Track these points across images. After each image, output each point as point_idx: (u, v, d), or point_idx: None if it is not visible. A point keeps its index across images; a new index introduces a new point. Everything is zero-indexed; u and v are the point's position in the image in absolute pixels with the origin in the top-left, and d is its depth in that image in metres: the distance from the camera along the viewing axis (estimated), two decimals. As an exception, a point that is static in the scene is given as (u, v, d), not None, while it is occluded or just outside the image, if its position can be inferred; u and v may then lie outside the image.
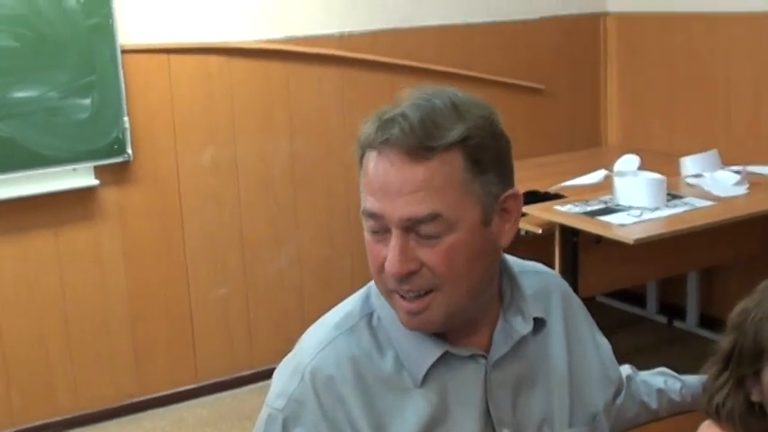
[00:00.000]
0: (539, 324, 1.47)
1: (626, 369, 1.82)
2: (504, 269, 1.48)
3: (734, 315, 1.60)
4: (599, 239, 3.51)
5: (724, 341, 1.60)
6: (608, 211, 3.55)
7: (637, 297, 4.97)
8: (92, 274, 4.01)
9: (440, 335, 1.40)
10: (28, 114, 3.72)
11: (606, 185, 3.80)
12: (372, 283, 1.43)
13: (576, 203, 3.66)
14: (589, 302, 1.74)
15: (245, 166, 4.28)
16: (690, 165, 3.98)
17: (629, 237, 3.24)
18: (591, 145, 5.13)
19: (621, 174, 3.73)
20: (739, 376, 1.57)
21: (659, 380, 1.84)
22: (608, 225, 3.38)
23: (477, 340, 1.43)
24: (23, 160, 3.74)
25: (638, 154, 4.04)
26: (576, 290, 3.33)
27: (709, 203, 3.59)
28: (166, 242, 4.14)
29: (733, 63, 4.43)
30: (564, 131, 5.06)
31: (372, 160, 1.32)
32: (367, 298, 1.45)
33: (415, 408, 1.38)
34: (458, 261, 1.31)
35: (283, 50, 4.25)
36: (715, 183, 3.81)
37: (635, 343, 4.45)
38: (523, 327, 1.44)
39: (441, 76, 4.55)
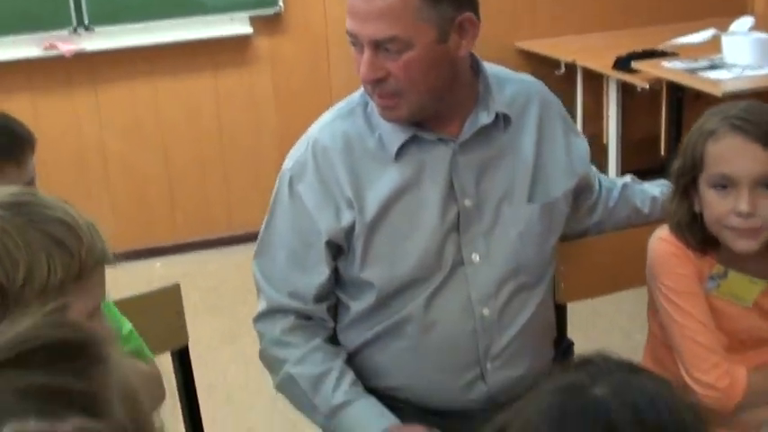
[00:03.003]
0: (505, 119, 1.80)
1: (626, 178, 2.11)
2: (482, 74, 1.81)
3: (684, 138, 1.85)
4: (698, 95, 3.67)
5: (675, 161, 1.85)
6: (712, 67, 3.70)
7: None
8: (246, 113, 4.54)
9: (417, 123, 1.75)
10: (192, -34, 4.23)
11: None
12: None
13: (684, 60, 3.82)
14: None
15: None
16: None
17: (719, 90, 3.40)
18: (738, 13, 5.14)
19: (732, 33, 3.83)
20: (682, 187, 1.82)
21: (656, 189, 2.10)
22: (703, 79, 3.54)
23: (449, 128, 1.78)
24: (187, 7, 4.27)
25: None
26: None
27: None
28: (314, 88, 4.60)
29: None
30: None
31: None
32: (364, 92, 1.82)
33: (390, 177, 1.76)
34: (414, 72, 1.66)
35: None
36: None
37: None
38: (485, 118, 1.77)
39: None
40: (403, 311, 1.77)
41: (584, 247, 2.10)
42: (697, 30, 4.01)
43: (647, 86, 3.84)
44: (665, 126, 3.84)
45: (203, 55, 4.41)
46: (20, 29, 4.15)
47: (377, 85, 1.68)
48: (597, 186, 2.04)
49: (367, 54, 1.66)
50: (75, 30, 4.23)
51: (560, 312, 2.13)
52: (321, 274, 1.79)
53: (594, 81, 4.49)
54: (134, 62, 4.38)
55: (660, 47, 4.07)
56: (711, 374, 1.78)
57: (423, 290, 1.76)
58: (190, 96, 4.44)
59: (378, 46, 1.65)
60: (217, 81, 4.45)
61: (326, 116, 1.83)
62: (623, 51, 4.10)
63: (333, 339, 1.86)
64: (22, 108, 4.33)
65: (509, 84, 1.85)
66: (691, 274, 1.83)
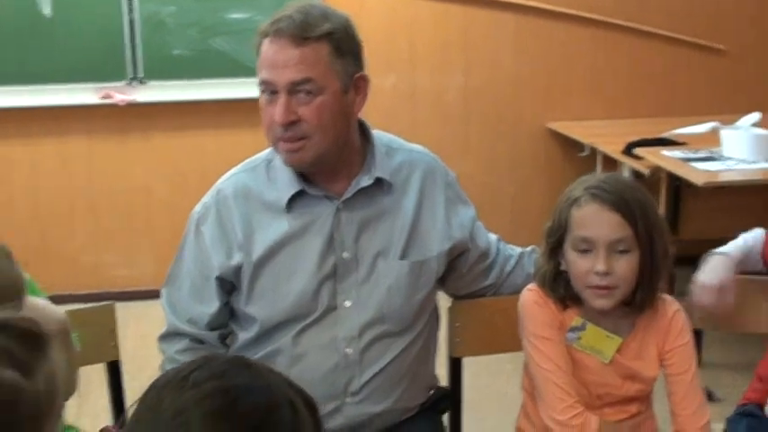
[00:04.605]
0: (385, 183, 2.03)
1: (528, 248, 2.31)
2: (369, 141, 2.06)
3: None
4: (690, 185, 3.81)
5: (547, 223, 2.05)
6: (708, 159, 3.84)
7: None
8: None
9: (307, 179, 2.01)
10: (239, 32, 4.60)
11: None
12: None
13: (686, 150, 3.97)
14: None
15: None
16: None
17: (700, 180, 3.55)
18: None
19: (733, 127, 3.96)
20: (551, 247, 2.03)
21: None
22: (690, 169, 3.68)
23: (336, 187, 2.03)
24: (230, 69, 4.65)
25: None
26: (676, 232, 3.68)
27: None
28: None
29: None
30: (745, 93, 5.20)
31: (266, 44, 1.94)
32: (271, 151, 2.09)
33: (279, 225, 2.01)
34: (325, 115, 1.91)
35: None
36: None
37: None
38: (365, 181, 2.01)
39: (617, 29, 4.91)
40: (276, 344, 2.01)
41: (479, 306, 2.29)
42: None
43: (647, 173, 3.98)
44: (664, 211, 3.97)
45: (243, 113, 4.75)
46: (80, 78, 4.61)
47: (288, 128, 1.91)
48: (494, 252, 2.24)
49: (282, 98, 1.90)
50: (129, 82, 4.66)
51: (455, 365, 2.34)
52: (213, 305, 2.05)
53: (612, 165, 4.66)
54: (182, 114, 4.78)
55: (666, 135, 4.22)
56: (567, 413, 1.95)
57: (295, 326, 2.00)
58: (230, 149, 4.77)
59: (292, 91, 1.89)
60: (255, 137, 4.77)
61: (234, 169, 2.11)
62: (640, 137, 4.28)
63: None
64: (78, 150, 4.79)
65: (398, 153, 2.09)
66: (551, 321, 2.02)
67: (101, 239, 4.88)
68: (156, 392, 1.07)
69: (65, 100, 4.62)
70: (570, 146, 4.94)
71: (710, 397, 3.14)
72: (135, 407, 1.08)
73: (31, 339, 1.23)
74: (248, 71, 4.59)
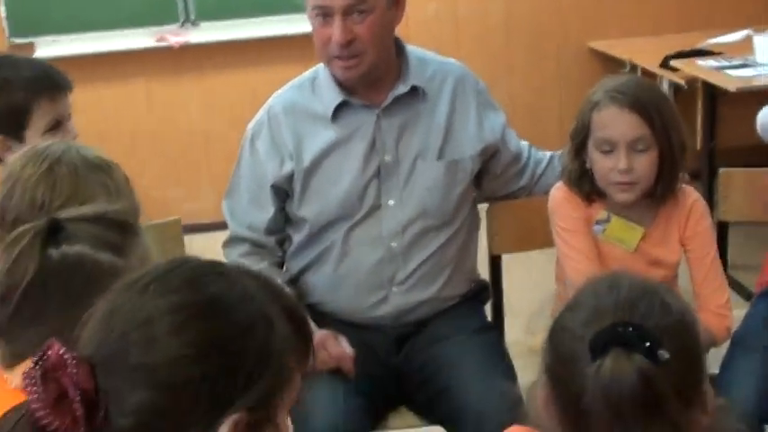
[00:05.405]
0: (420, 91, 2.22)
1: (558, 152, 2.48)
2: (404, 54, 2.24)
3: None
4: (725, 92, 3.92)
5: (572, 125, 2.22)
6: (742, 66, 3.94)
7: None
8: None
9: (349, 91, 2.20)
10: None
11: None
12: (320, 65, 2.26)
13: (719, 59, 4.07)
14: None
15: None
16: None
17: (733, 86, 3.66)
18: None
19: (763, 33, 4.04)
20: (575, 147, 2.19)
21: None
22: (723, 76, 3.79)
23: (376, 97, 2.23)
24: (281, 6, 4.87)
25: None
26: (712, 138, 3.80)
27: None
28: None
29: None
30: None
31: None
32: (315, 69, 2.29)
33: (325, 134, 2.23)
34: (376, 32, 2.12)
35: None
36: None
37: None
38: (402, 89, 2.21)
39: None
40: (327, 242, 2.23)
41: (515, 207, 2.49)
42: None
43: (684, 83, 4.09)
44: (701, 120, 4.09)
45: (295, 48, 4.91)
46: (135, 23, 4.84)
47: (345, 47, 2.11)
48: (526, 156, 2.43)
49: (338, 21, 2.09)
50: (182, 24, 4.88)
51: (494, 261, 2.54)
52: (269, 211, 2.27)
53: (652, 79, 4.76)
54: (234, 53, 4.98)
55: (702, 46, 4.31)
56: None
57: (343, 225, 2.21)
58: (280, 84, 4.96)
59: (347, 12, 2.08)
60: (303, 70, 4.97)
61: (283, 88, 2.33)
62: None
63: (281, 267, 2.33)
64: (136, 92, 5.03)
65: (431, 64, 2.28)
66: (579, 216, 2.20)
67: (165, 176, 5.12)
68: (118, 294, 1.06)
69: (123, 45, 4.85)
70: (612, 63, 5.04)
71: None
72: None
73: (124, 226, 1.42)
74: (295, 7, 4.76)
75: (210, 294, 1.04)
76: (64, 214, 1.40)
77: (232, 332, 1.02)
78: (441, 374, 2.18)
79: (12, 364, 1.37)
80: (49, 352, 0.98)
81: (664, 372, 1.15)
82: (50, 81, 2.23)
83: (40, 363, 0.98)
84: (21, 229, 1.36)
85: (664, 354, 1.15)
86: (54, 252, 1.34)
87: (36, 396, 0.96)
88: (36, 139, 2.13)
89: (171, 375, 0.99)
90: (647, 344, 1.15)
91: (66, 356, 0.98)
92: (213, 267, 1.08)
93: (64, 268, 1.34)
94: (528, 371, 2.38)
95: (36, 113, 2.17)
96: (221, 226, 2.44)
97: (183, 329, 1.01)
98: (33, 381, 0.97)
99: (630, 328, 1.17)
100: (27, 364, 1.11)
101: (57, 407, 0.96)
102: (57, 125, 2.20)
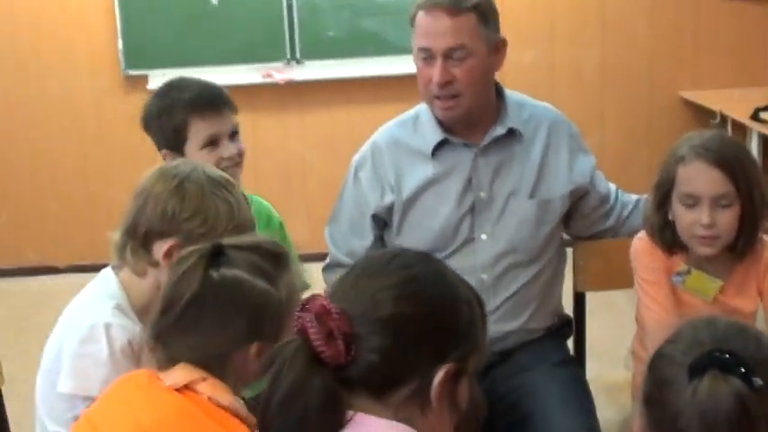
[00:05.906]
0: (516, 133, 2.36)
1: (644, 195, 2.58)
2: (502, 97, 2.39)
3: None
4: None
5: (656, 177, 2.29)
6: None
7: None
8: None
9: (449, 130, 2.36)
10: (388, 14, 5.00)
11: None
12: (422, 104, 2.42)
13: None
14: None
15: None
16: None
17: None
18: None
19: None
20: (659, 199, 2.26)
21: None
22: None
23: (474, 137, 2.38)
24: (381, 47, 5.09)
25: None
26: None
27: None
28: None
29: None
30: None
31: (422, 16, 2.29)
32: (418, 108, 2.45)
33: (425, 170, 2.38)
34: (474, 75, 2.26)
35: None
36: None
37: None
38: (499, 130, 2.36)
39: None
40: None
41: (601, 246, 2.60)
42: None
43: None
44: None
45: (392, 89, 5.13)
46: (244, 60, 5.12)
47: (444, 88, 2.26)
48: (613, 199, 2.55)
49: (439, 63, 2.24)
50: (288, 62, 5.12)
51: (579, 298, 2.65)
52: (368, 239, 2.43)
53: (742, 131, 4.82)
54: (335, 91, 5.20)
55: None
56: None
57: (438, 256, 2.35)
58: (378, 123, 5.16)
59: (447, 55, 2.23)
60: (400, 110, 5.15)
61: (387, 124, 2.49)
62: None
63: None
64: (245, 125, 5.21)
65: (527, 108, 2.43)
66: (659, 267, 2.27)
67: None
68: (366, 263, 1.39)
69: (231, 80, 5.10)
70: (702, 114, 5.12)
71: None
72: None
73: (276, 257, 1.62)
74: (396, 50, 5.02)
75: (436, 269, 1.37)
76: (225, 241, 1.60)
77: (454, 300, 1.33)
78: (523, 403, 2.29)
79: (166, 366, 1.56)
80: (313, 303, 1.28)
81: (758, 397, 1.23)
82: (203, 101, 2.39)
83: (306, 308, 1.28)
84: (188, 250, 1.59)
85: (758, 381, 1.23)
86: (215, 273, 1.54)
87: (314, 331, 1.26)
88: (195, 154, 2.34)
89: (409, 328, 1.29)
90: (743, 369, 1.24)
91: (329, 307, 1.27)
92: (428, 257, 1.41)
93: (222, 288, 1.54)
94: (605, 406, 2.49)
95: (191, 131, 2.36)
96: (316, 257, 2.57)
97: (419, 293, 1.31)
98: (311, 322, 1.26)
99: (727, 355, 1.26)
100: (179, 367, 1.51)
101: (327, 341, 1.26)
102: (214, 141, 2.38)
